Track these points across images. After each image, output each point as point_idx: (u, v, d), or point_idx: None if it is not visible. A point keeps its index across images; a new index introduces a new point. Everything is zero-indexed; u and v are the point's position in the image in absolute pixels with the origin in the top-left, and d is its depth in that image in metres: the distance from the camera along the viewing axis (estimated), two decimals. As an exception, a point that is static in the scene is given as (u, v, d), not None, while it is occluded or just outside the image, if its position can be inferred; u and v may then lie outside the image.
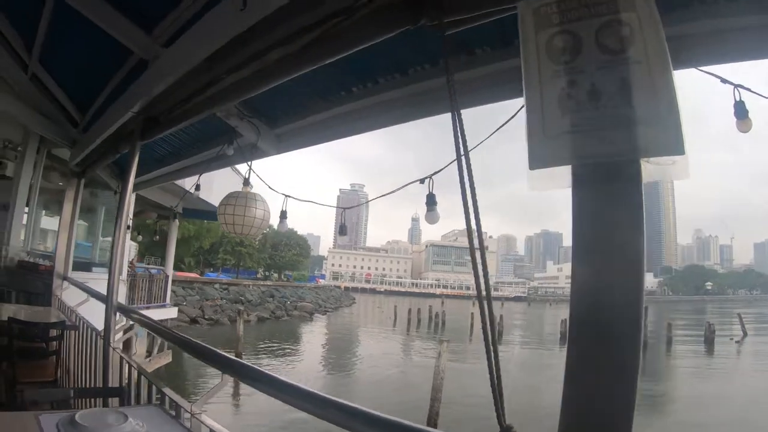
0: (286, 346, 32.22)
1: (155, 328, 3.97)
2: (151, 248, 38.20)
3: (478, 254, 1.55)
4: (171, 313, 16.37)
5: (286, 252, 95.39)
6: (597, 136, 1.24)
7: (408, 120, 3.64)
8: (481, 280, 1.60)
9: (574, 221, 1.30)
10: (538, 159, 1.34)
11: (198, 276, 51.16)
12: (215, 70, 3.43)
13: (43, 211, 11.46)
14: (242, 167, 5.95)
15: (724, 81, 2.46)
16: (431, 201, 3.66)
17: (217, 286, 48.14)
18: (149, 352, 14.60)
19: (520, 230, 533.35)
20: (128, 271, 15.70)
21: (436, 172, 3.63)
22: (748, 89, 2.53)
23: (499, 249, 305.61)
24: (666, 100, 1.16)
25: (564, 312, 79.55)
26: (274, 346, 31.61)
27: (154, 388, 3.29)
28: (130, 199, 5.57)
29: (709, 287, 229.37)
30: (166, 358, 15.24)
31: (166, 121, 4.43)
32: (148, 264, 34.13)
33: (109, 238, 10.86)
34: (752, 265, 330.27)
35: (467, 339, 43.44)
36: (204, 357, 3.09)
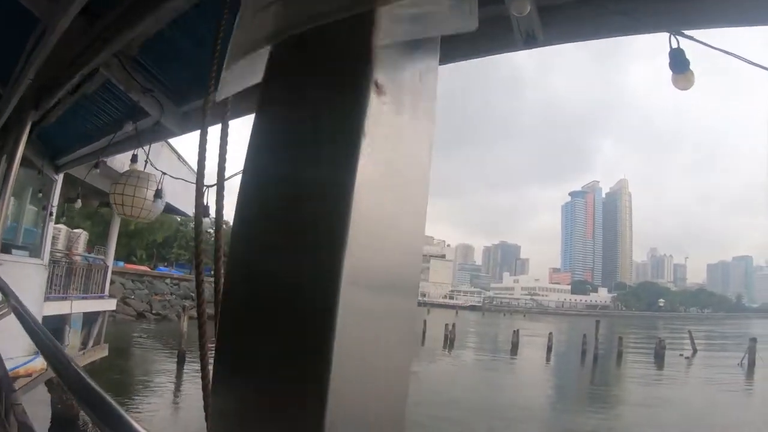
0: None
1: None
2: (102, 238, 36.98)
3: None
4: (109, 305, 15.65)
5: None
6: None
7: None
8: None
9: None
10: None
11: (149, 269, 49.83)
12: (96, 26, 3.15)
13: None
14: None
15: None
16: None
17: (168, 281, 47.01)
18: (84, 344, 13.93)
19: (478, 241, 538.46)
20: (65, 258, 15.06)
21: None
22: (691, 37, 1.98)
23: (456, 258, 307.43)
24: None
25: (518, 323, 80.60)
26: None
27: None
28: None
29: (662, 304, 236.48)
30: (102, 352, 14.56)
31: (55, 86, 4.08)
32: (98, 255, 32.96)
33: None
34: (704, 284, 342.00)
35: (419, 344, 43.23)
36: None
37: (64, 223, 36.36)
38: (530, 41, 2.28)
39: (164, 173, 4.59)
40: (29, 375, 8.02)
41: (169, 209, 18.74)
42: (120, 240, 50.55)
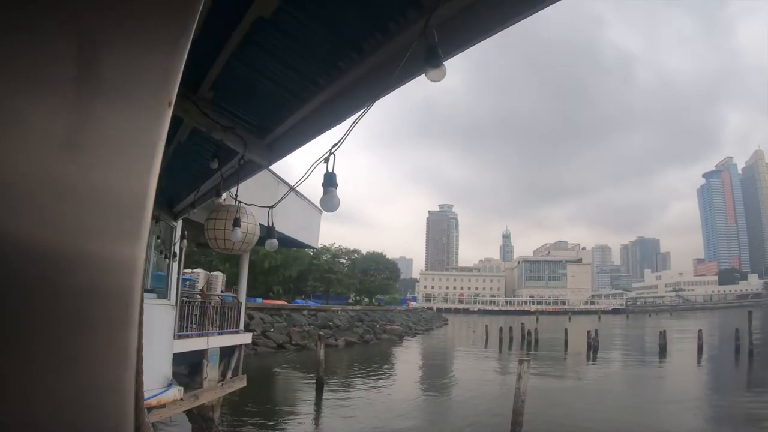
0: (373, 371, 31.98)
1: None
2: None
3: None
4: (244, 339, 16.60)
5: (376, 276, 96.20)
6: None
7: (392, 86, 3.17)
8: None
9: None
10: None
11: (286, 303, 52.29)
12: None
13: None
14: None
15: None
16: (329, 181, 3.09)
17: (305, 312, 49.03)
18: (223, 376, 14.85)
19: (613, 239, 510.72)
20: (199, 298, 16.22)
21: (337, 145, 3.16)
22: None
23: (593, 260, 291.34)
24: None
25: (665, 323, 74.93)
26: (361, 371, 31.47)
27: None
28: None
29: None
30: (240, 383, 15.45)
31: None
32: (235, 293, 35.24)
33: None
34: None
35: (561, 355, 41.62)
36: None
37: (204, 267, 39.45)
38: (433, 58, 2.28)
39: (240, 202, 4.80)
40: (162, 406, 8.67)
41: (289, 242, 19.78)
42: (257, 278, 53.97)
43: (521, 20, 2.40)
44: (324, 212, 21.88)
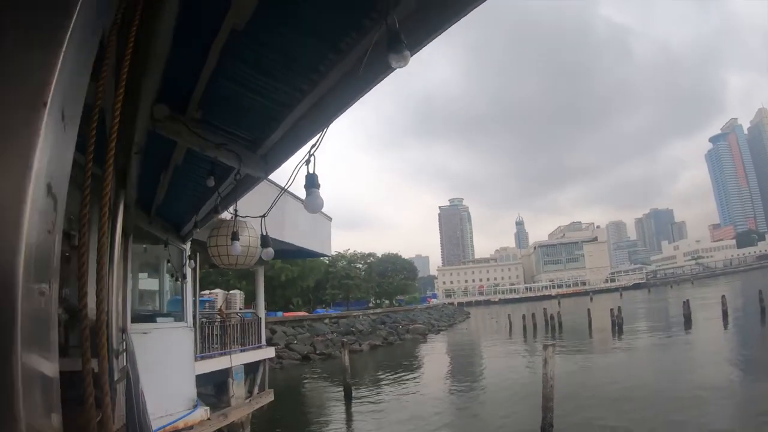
0: (400, 371, 31.91)
1: None
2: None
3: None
4: (267, 353, 16.66)
5: (394, 277, 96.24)
6: None
7: (371, 83, 3.26)
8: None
9: None
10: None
11: (306, 314, 52.41)
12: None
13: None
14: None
15: None
16: (311, 183, 3.14)
17: (326, 321, 49.14)
18: (249, 392, 14.91)
19: (627, 215, 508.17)
20: (218, 318, 16.30)
21: (315, 146, 3.18)
22: None
23: (609, 238, 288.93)
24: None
25: (687, 292, 74.27)
26: (388, 373, 31.40)
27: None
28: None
29: None
30: (268, 398, 15.49)
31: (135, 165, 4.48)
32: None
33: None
34: None
35: (586, 336, 41.37)
36: None
37: (222, 286, 39.68)
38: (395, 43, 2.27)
39: (236, 215, 4.81)
40: (190, 427, 8.71)
41: (302, 252, 19.81)
42: (275, 292, 54.16)
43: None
44: (331, 219, 22.06)
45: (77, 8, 0.92)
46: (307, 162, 3.17)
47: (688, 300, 42.66)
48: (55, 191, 0.95)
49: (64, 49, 0.88)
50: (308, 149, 3.22)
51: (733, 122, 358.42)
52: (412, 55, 2.25)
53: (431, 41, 2.69)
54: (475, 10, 2.49)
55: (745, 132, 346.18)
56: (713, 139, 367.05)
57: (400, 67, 2.27)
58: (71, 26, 0.89)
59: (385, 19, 2.25)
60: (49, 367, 0.92)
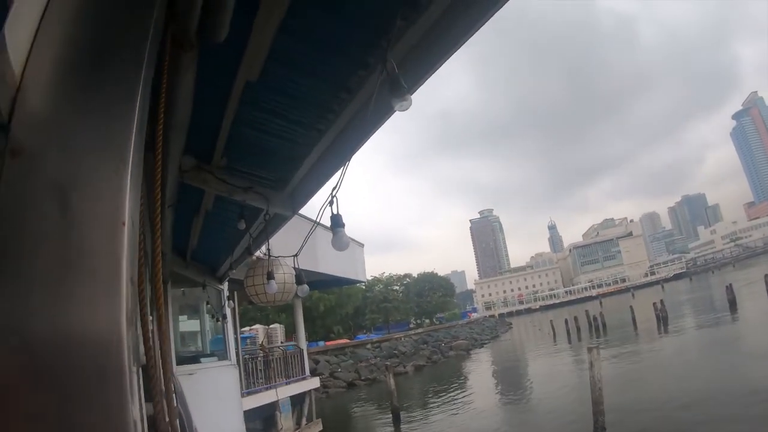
0: (447, 389, 31.61)
1: None
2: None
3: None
4: (312, 384, 16.85)
5: (432, 296, 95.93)
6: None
7: (383, 117, 3.31)
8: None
9: None
10: None
11: (348, 341, 52.45)
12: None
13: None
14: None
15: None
16: (336, 223, 3.29)
17: (369, 346, 49.08)
18: (298, 424, 15.06)
19: (659, 205, 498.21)
20: (261, 352, 16.55)
21: (336, 188, 3.32)
22: None
23: (644, 231, 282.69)
24: None
25: (729, 276, 72.19)
26: (435, 392, 31.11)
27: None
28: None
29: None
30: (316, 428, 15.63)
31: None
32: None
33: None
34: None
35: (631, 334, 40.55)
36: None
37: (261, 322, 40.01)
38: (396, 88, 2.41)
39: (269, 255, 5.00)
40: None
41: (339, 281, 20.02)
42: (315, 322, 54.36)
43: (475, 33, 2.54)
44: (363, 246, 22.26)
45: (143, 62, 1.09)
46: (331, 203, 3.33)
47: (731, 284, 41.69)
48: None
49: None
50: (330, 191, 3.39)
51: (753, 96, 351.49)
52: (411, 95, 2.40)
53: (430, 77, 2.84)
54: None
55: (767, 103, 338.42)
56: (736, 116, 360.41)
57: (402, 110, 2.42)
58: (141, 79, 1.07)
59: (384, 64, 2.42)
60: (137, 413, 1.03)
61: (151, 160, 3.72)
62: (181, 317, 11.68)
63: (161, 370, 5.39)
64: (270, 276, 4.84)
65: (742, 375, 18.09)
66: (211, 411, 8.46)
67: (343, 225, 3.31)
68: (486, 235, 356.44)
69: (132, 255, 1.04)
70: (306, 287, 5.03)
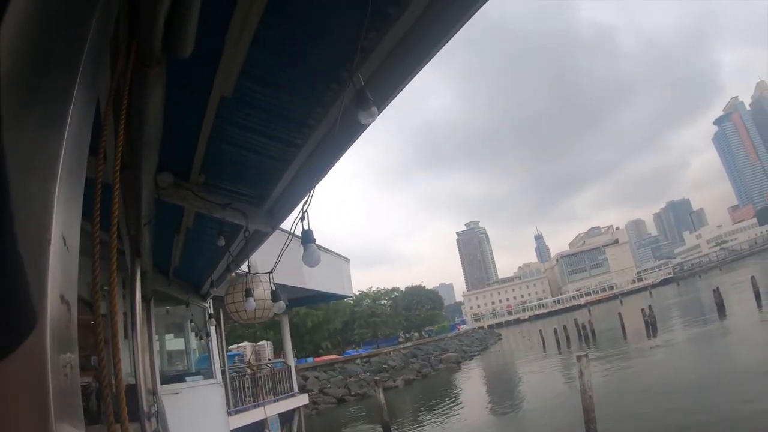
0: (438, 402, 31.46)
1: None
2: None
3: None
4: (301, 400, 16.69)
5: (420, 309, 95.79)
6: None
7: (358, 132, 3.38)
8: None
9: None
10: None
11: (337, 356, 52.19)
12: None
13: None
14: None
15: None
16: (307, 238, 3.26)
17: (358, 361, 48.87)
18: (285, 442, 14.91)
19: (644, 211, 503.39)
20: (248, 371, 16.36)
21: (306, 203, 3.31)
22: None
23: (630, 238, 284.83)
24: None
25: (716, 280, 72.98)
26: (426, 405, 30.97)
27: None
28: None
29: None
30: (307, 446, 15.47)
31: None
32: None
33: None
34: None
35: (621, 340, 40.77)
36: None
37: (249, 339, 39.63)
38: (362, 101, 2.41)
39: (248, 272, 4.96)
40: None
41: (325, 296, 19.92)
42: (303, 338, 54.05)
43: (448, 41, 2.55)
44: (349, 261, 22.18)
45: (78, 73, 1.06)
46: (302, 219, 3.30)
47: (718, 287, 42.16)
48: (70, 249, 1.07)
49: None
50: (301, 206, 3.36)
51: (734, 101, 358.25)
52: (380, 112, 2.40)
53: (404, 87, 2.85)
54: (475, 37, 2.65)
55: (748, 108, 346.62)
56: (717, 121, 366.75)
57: (368, 124, 2.42)
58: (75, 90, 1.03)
59: (351, 79, 2.42)
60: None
61: (130, 178, 3.69)
62: (167, 336, 11.55)
63: (142, 390, 5.32)
64: (248, 293, 4.80)
65: (733, 380, 18.24)
66: (197, 430, 8.34)
67: (314, 240, 3.29)
68: (473, 247, 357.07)
69: (65, 274, 1.00)
70: (282, 304, 4.97)
